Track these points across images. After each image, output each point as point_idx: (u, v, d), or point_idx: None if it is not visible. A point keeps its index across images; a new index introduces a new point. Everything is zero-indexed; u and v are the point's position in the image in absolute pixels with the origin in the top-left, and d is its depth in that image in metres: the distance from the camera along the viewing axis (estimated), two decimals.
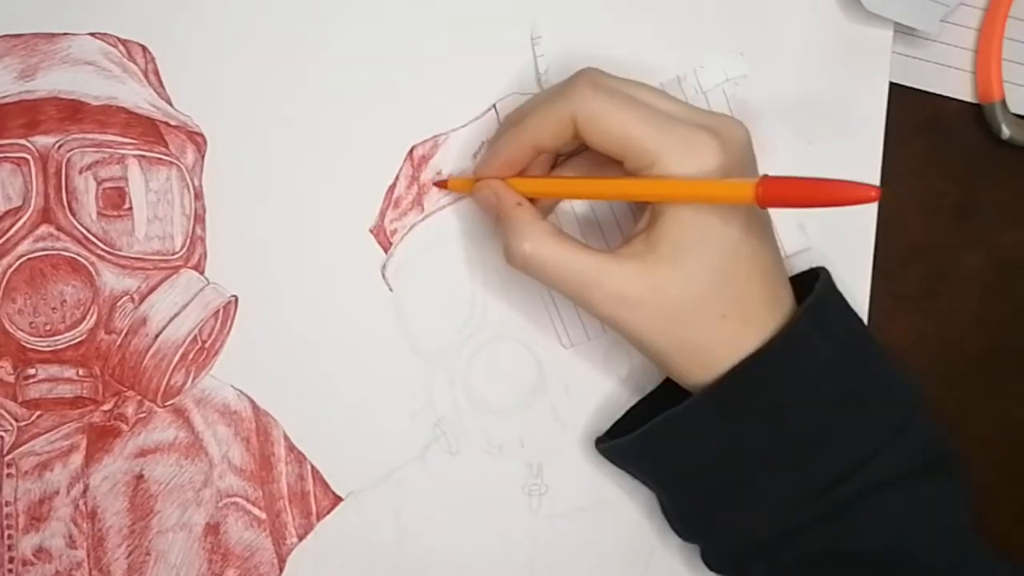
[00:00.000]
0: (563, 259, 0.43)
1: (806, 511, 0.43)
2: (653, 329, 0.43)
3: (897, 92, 0.51)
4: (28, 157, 0.45)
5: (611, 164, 0.44)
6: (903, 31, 0.51)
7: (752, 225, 0.43)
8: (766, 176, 0.39)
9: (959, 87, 0.52)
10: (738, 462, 0.44)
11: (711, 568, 0.48)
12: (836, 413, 0.43)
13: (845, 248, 0.51)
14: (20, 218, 0.45)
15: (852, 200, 0.37)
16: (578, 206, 0.49)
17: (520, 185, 0.45)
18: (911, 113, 0.51)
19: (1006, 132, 0.51)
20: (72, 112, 0.45)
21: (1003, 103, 0.51)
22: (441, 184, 0.48)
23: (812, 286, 0.45)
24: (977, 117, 0.52)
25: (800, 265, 0.49)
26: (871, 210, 0.51)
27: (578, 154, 0.46)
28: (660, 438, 0.45)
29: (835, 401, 0.43)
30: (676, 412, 0.44)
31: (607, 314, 0.43)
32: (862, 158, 0.51)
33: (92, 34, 0.45)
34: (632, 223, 0.46)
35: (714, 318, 0.42)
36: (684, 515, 0.47)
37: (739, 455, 0.44)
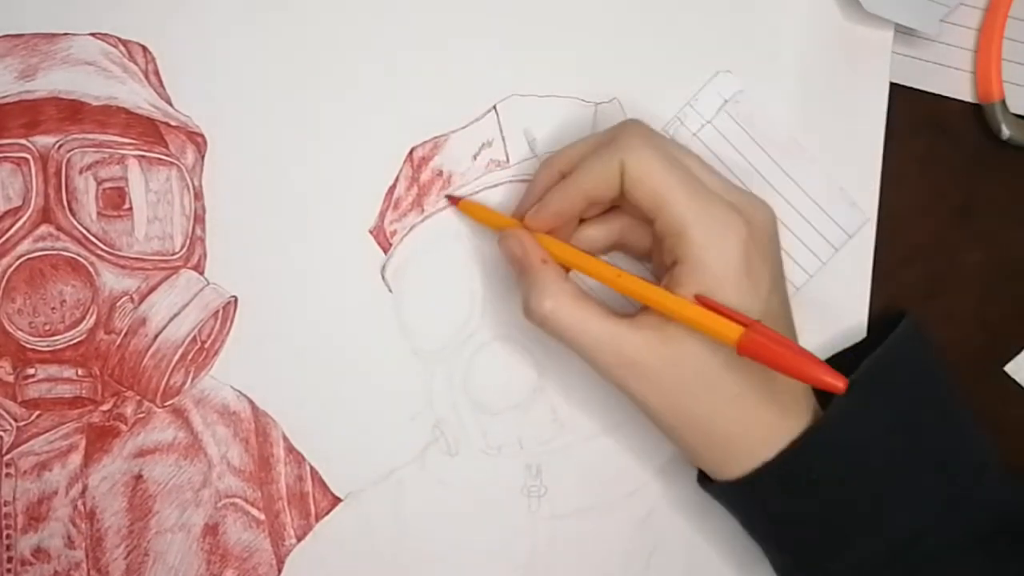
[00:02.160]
0: (581, 322, 0.42)
1: None
2: (664, 402, 0.43)
3: (897, 92, 0.51)
4: (28, 157, 0.45)
5: (640, 226, 0.45)
6: (903, 31, 0.51)
7: (774, 307, 0.43)
8: (752, 329, 0.39)
9: (959, 87, 0.52)
10: (793, 533, 0.44)
11: None
12: (884, 490, 0.43)
13: (845, 249, 0.51)
14: (20, 218, 0.45)
15: (819, 384, 0.38)
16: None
17: (545, 243, 0.45)
18: (911, 113, 0.51)
19: (1006, 132, 0.51)
20: (72, 112, 0.45)
21: (1003, 103, 0.51)
22: (453, 200, 0.48)
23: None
24: (977, 117, 0.52)
25: (797, 270, 0.49)
26: (871, 210, 0.51)
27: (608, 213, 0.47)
28: (725, 500, 0.46)
29: (883, 478, 0.43)
30: (719, 488, 0.45)
31: (619, 381, 0.43)
32: (862, 158, 0.51)
33: (93, 34, 0.46)
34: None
35: (727, 397, 0.42)
36: (770, 561, 0.48)
37: (791, 528, 0.44)
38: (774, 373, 0.40)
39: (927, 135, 0.52)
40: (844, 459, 0.43)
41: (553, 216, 0.45)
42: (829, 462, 0.43)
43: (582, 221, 0.47)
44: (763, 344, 0.39)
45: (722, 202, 0.42)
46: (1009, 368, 0.53)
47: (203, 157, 0.47)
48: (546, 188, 0.45)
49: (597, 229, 0.46)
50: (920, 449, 0.44)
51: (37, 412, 0.46)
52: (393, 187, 0.48)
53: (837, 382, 0.38)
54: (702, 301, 0.41)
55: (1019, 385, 0.53)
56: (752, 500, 0.44)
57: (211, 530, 0.47)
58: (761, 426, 0.43)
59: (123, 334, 0.46)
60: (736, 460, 0.43)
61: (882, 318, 0.50)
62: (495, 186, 0.48)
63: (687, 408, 0.43)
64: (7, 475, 0.46)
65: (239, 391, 0.47)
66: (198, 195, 0.47)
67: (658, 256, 0.46)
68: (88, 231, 0.45)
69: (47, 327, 0.45)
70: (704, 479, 0.47)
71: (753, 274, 0.42)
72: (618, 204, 0.45)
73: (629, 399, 0.44)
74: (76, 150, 0.45)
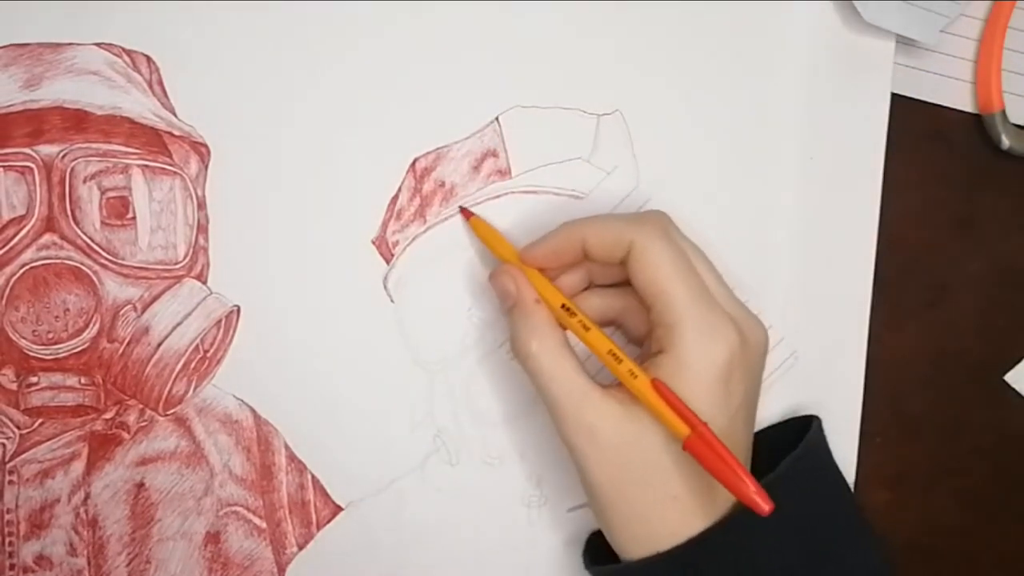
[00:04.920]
0: (558, 373, 0.43)
1: None
2: (604, 476, 0.42)
3: (898, 102, 0.51)
4: (32, 166, 0.45)
5: (641, 312, 0.44)
6: (904, 42, 0.51)
7: (737, 424, 0.43)
8: (700, 432, 0.40)
9: (959, 98, 0.52)
10: None
11: None
12: None
13: (846, 259, 0.51)
14: (24, 227, 0.45)
15: (747, 502, 0.39)
16: None
17: (537, 284, 0.45)
18: (912, 124, 0.51)
19: (1006, 142, 0.52)
20: (76, 121, 0.45)
21: (1003, 113, 0.51)
22: (466, 213, 0.48)
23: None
24: (977, 127, 0.52)
25: (798, 280, 0.49)
26: (872, 220, 0.51)
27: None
28: None
29: None
30: (617, 571, 0.44)
31: (571, 441, 0.43)
32: (863, 169, 0.51)
33: (97, 44, 0.46)
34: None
35: (666, 496, 0.42)
36: None
37: None
38: (717, 484, 0.41)
39: (928, 145, 0.52)
40: (735, 566, 0.43)
41: (547, 252, 0.45)
42: (717, 566, 0.42)
43: (587, 288, 0.47)
44: (705, 448, 0.40)
45: (721, 311, 0.42)
46: (1009, 377, 0.53)
47: (206, 167, 0.47)
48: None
49: (601, 299, 0.46)
50: (815, 561, 0.44)
51: (40, 420, 0.46)
52: (396, 197, 0.48)
53: (764, 504, 0.39)
54: (659, 388, 0.41)
55: (1019, 395, 0.53)
56: None
57: (213, 538, 0.47)
58: (689, 530, 0.43)
59: (126, 343, 0.46)
60: (645, 550, 0.43)
61: (790, 419, 0.50)
62: (497, 197, 0.49)
63: (624, 492, 0.42)
64: (10, 482, 0.46)
65: (241, 400, 0.47)
66: (201, 205, 0.47)
67: (647, 343, 0.46)
68: (92, 240, 0.46)
69: (50, 335, 0.46)
70: (593, 563, 0.47)
71: (729, 387, 0.42)
72: (627, 284, 0.45)
73: (572, 458, 0.43)
74: (80, 159, 0.45)
